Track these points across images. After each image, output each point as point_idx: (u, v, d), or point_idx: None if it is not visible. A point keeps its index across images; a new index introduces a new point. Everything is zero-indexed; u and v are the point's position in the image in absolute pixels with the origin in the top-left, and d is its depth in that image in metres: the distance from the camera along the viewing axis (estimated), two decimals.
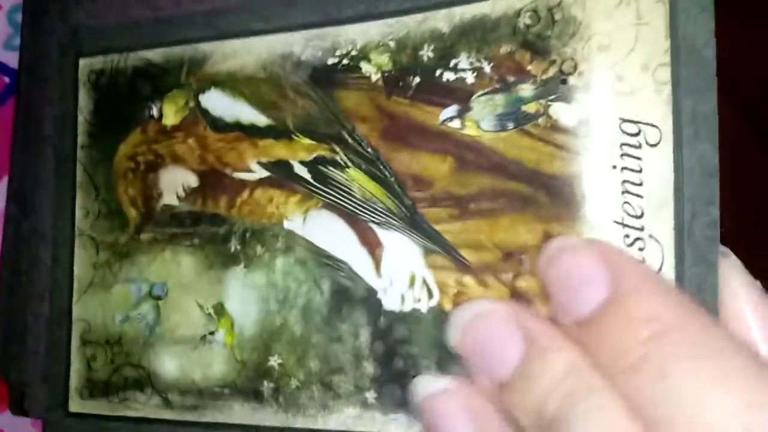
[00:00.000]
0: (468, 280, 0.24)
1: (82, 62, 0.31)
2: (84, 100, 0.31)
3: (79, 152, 0.30)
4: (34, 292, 0.31)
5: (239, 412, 0.27)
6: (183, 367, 0.28)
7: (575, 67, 0.23)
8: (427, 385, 0.20)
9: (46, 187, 0.31)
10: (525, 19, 0.24)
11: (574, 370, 0.18)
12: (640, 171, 0.21)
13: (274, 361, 0.26)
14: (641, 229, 0.21)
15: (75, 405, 0.30)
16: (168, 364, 0.28)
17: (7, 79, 0.38)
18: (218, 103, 0.28)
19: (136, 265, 0.29)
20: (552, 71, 0.23)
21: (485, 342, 0.19)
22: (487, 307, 0.20)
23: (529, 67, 0.23)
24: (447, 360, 0.24)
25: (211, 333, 0.28)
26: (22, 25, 0.33)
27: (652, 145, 0.21)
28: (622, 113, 0.22)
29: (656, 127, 0.21)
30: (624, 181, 0.22)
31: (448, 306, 0.24)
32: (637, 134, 0.22)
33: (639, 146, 0.21)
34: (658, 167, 0.21)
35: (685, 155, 0.21)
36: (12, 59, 0.36)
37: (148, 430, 0.28)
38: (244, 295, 0.27)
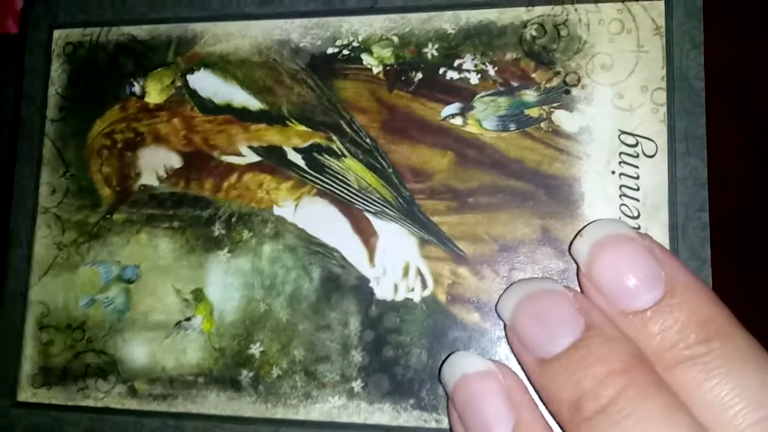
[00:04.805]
0: (463, 270, 0.25)
1: (57, 33, 0.29)
2: (57, 73, 0.29)
3: (48, 126, 0.29)
4: None
5: (214, 402, 0.26)
6: (153, 354, 0.27)
7: (578, 80, 0.25)
8: (467, 363, 0.20)
9: None
10: (531, 31, 0.25)
11: (632, 364, 0.17)
12: (637, 178, 0.23)
13: (255, 349, 0.26)
14: (637, 228, 0.23)
15: (25, 394, 0.28)
16: (136, 351, 0.27)
17: None
18: (208, 84, 0.27)
19: (107, 246, 0.28)
20: (556, 81, 0.25)
21: (542, 315, 0.19)
22: (553, 287, 0.20)
23: (534, 75, 0.25)
24: (438, 349, 0.24)
25: (188, 319, 0.27)
26: None
27: (649, 156, 0.23)
28: (622, 126, 0.24)
29: (652, 141, 0.23)
30: (622, 186, 0.24)
31: (442, 296, 0.25)
32: (635, 145, 0.24)
33: (636, 156, 0.24)
34: (654, 175, 0.24)
35: (678, 167, 0.23)
36: None
37: (110, 421, 0.27)
38: (226, 281, 0.26)
